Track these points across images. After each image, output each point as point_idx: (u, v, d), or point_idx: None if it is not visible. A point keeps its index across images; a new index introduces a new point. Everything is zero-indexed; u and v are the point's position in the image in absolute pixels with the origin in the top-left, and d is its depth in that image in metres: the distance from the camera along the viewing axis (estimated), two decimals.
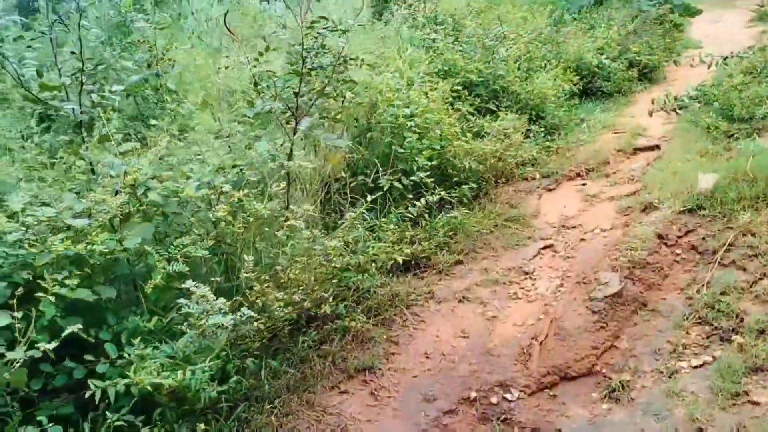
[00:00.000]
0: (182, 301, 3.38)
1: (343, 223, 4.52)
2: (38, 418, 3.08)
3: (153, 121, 5.81)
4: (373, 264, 4.60)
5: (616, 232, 5.28)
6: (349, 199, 5.55)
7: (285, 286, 4.04)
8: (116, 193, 3.82)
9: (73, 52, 4.54)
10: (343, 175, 5.65)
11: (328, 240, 4.24)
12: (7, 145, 4.56)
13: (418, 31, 8.52)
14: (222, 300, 3.38)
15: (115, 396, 3.21)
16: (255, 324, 3.57)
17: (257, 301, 3.81)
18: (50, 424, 3.03)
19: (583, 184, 6.53)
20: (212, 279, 3.74)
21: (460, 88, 7.32)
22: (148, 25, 7.01)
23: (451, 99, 7.04)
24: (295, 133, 4.95)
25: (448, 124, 6.33)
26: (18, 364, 2.82)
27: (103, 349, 3.50)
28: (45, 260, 3.30)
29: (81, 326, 3.37)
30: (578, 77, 8.74)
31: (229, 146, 5.08)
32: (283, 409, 3.69)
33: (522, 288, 4.84)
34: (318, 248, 4.17)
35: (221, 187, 4.05)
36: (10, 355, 2.82)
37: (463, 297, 4.74)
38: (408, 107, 6.04)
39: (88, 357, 3.41)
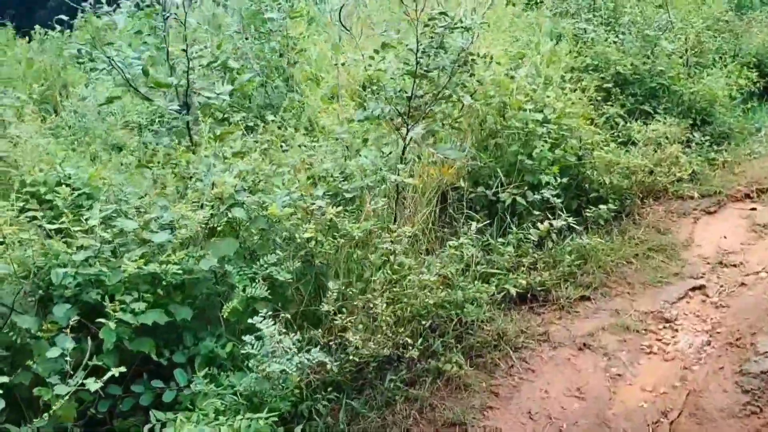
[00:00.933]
0: (247, 338, 3.08)
1: (442, 251, 4.00)
2: None
3: (270, 117, 5.65)
4: (480, 297, 4.04)
5: None
6: (465, 212, 5.00)
7: (374, 317, 3.63)
8: (201, 206, 3.60)
9: (184, 50, 4.39)
10: (462, 184, 5.11)
11: (425, 270, 3.75)
12: (118, 144, 4.54)
13: (567, 19, 7.64)
14: (290, 341, 3.02)
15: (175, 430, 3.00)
16: (328, 366, 3.19)
17: (337, 337, 3.44)
18: None
19: (752, 209, 5.47)
20: (288, 310, 3.41)
21: (610, 85, 6.44)
22: (280, 14, 6.89)
23: (598, 99, 6.20)
24: (405, 141, 4.49)
25: (590, 131, 5.53)
26: (64, 399, 2.65)
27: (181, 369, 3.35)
28: (116, 280, 3.14)
29: (153, 347, 3.26)
30: (759, 74, 7.41)
31: (346, 147, 4.76)
32: None
33: (659, 340, 4.05)
34: (413, 279, 3.70)
35: (311, 205, 3.71)
36: (57, 390, 2.66)
37: (585, 344, 4.04)
38: (541, 111, 5.33)
39: (157, 383, 3.25)
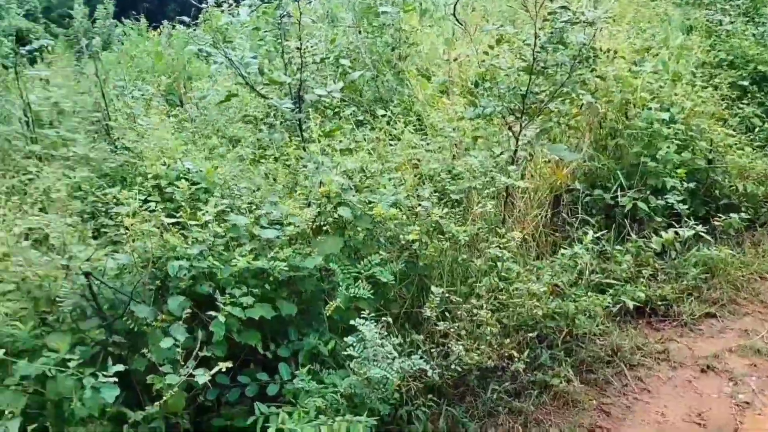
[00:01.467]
0: (349, 339, 3.06)
1: (554, 260, 3.80)
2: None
3: (381, 111, 5.62)
4: (594, 309, 3.81)
5: None
6: (580, 216, 4.74)
7: (478, 324, 3.51)
8: (309, 204, 3.63)
9: (298, 48, 4.44)
10: (577, 186, 4.85)
11: (535, 279, 3.58)
12: (236, 137, 4.68)
13: (700, 9, 7.07)
14: (391, 346, 2.98)
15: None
16: (429, 373, 3.12)
17: (439, 343, 3.36)
18: None
19: None
20: (390, 311, 3.36)
21: (746, 83, 5.90)
22: (394, 8, 6.86)
23: (732, 97, 5.70)
24: (517, 140, 4.31)
25: (722, 132, 5.09)
26: (175, 389, 2.74)
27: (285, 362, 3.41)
28: (227, 273, 3.22)
29: (259, 340, 3.32)
30: None
31: (455, 145, 4.65)
32: None
33: None
34: (521, 287, 3.54)
35: (417, 206, 3.64)
36: (169, 380, 2.76)
37: (708, 366, 3.73)
38: (668, 110, 4.96)
39: (262, 376, 3.31)
